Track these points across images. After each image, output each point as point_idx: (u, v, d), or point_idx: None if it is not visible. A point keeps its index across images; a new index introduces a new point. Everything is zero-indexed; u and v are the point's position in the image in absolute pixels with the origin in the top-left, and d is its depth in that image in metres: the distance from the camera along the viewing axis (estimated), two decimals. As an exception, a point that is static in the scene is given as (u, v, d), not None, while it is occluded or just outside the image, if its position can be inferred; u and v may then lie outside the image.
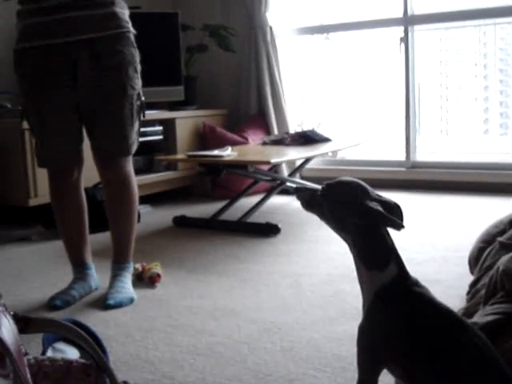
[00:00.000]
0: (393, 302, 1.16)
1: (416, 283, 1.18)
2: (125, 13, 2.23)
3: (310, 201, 1.26)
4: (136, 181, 2.38)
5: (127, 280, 2.37)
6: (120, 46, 2.18)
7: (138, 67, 2.26)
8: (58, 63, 2.17)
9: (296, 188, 1.30)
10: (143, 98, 2.29)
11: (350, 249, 1.22)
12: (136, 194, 2.36)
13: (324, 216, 1.24)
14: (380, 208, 1.16)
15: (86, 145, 2.31)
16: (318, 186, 1.27)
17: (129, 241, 2.38)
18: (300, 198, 1.28)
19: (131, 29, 2.25)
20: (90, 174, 2.47)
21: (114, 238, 2.39)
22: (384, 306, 1.17)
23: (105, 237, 2.52)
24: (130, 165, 2.33)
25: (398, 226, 1.16)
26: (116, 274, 2.36)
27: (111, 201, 2.35)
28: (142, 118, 2.30)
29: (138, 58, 2.25)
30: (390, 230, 1.19)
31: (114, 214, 2.36)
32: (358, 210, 1.17)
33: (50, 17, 2.13)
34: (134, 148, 2.31)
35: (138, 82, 2.26)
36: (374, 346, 1.18)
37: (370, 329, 1.19)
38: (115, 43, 2.18)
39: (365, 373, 1.19)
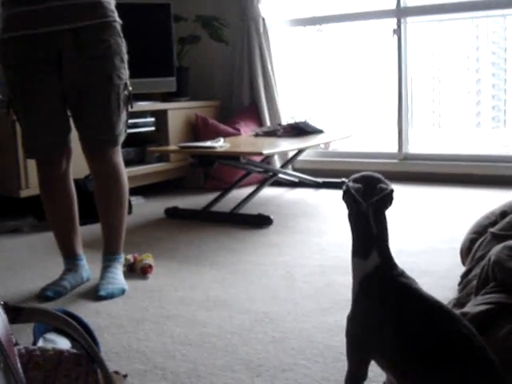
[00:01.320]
0: (375, 293, 1.16)
1: (402, 274, 1.17)
2: (110, 2, 2.21)
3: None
4: (126, 172, 2.36)
5: (118, 271, 2.36)
6: (105, 36, 2.16)
7: (125, 57, 2.23)
8: (42, 53, 2.14)
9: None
10: (131, 89, 2.27)
11: None
12: (125, 185, 2.34)
13: None
14: (355, 185, 1.15)
15: (76, 135, 2.29)
16: None
17: (119, 232, 2.37)
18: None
19: (117, 18, 2.22)
20: (81, 164, 2.46)
21: (104, 230, 2.38)
22: (367, 296, 1.16)
23: (97, 228, 2.51)
24: (118, 156, 2.31)
25: (358, 202, 1.14)
26: (107, 266, 2.36)
27: (100, 192, 2.34)
28: (129, 109, 2.29)
29: (124, 48, 2.23)
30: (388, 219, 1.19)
31: (103, 205, 2.35)
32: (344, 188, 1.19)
33: (34, 6, 2.10)
34: (122, 139, 2.29)
35: (125, 72, 2.24)
36: (360, 337, 1.17)
37: (355, 319, 1.18)
38: (100, 32, 2.15)
39: (354, 363, 1.19)
